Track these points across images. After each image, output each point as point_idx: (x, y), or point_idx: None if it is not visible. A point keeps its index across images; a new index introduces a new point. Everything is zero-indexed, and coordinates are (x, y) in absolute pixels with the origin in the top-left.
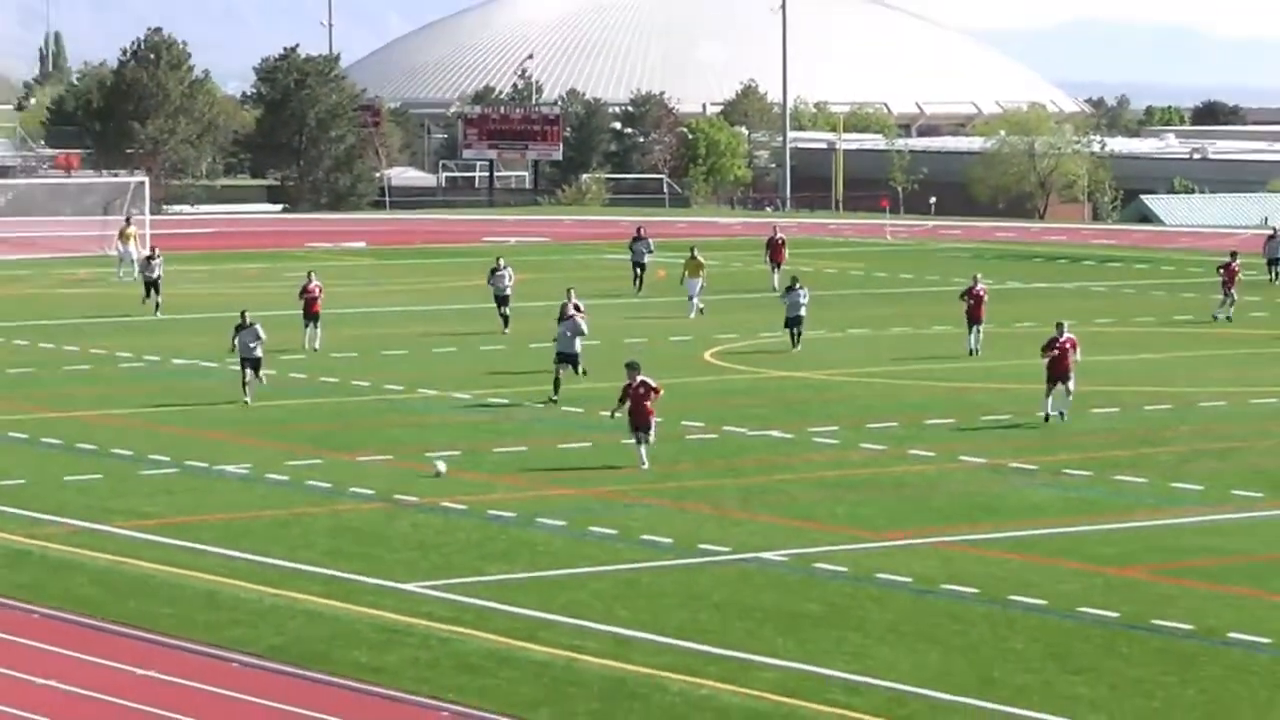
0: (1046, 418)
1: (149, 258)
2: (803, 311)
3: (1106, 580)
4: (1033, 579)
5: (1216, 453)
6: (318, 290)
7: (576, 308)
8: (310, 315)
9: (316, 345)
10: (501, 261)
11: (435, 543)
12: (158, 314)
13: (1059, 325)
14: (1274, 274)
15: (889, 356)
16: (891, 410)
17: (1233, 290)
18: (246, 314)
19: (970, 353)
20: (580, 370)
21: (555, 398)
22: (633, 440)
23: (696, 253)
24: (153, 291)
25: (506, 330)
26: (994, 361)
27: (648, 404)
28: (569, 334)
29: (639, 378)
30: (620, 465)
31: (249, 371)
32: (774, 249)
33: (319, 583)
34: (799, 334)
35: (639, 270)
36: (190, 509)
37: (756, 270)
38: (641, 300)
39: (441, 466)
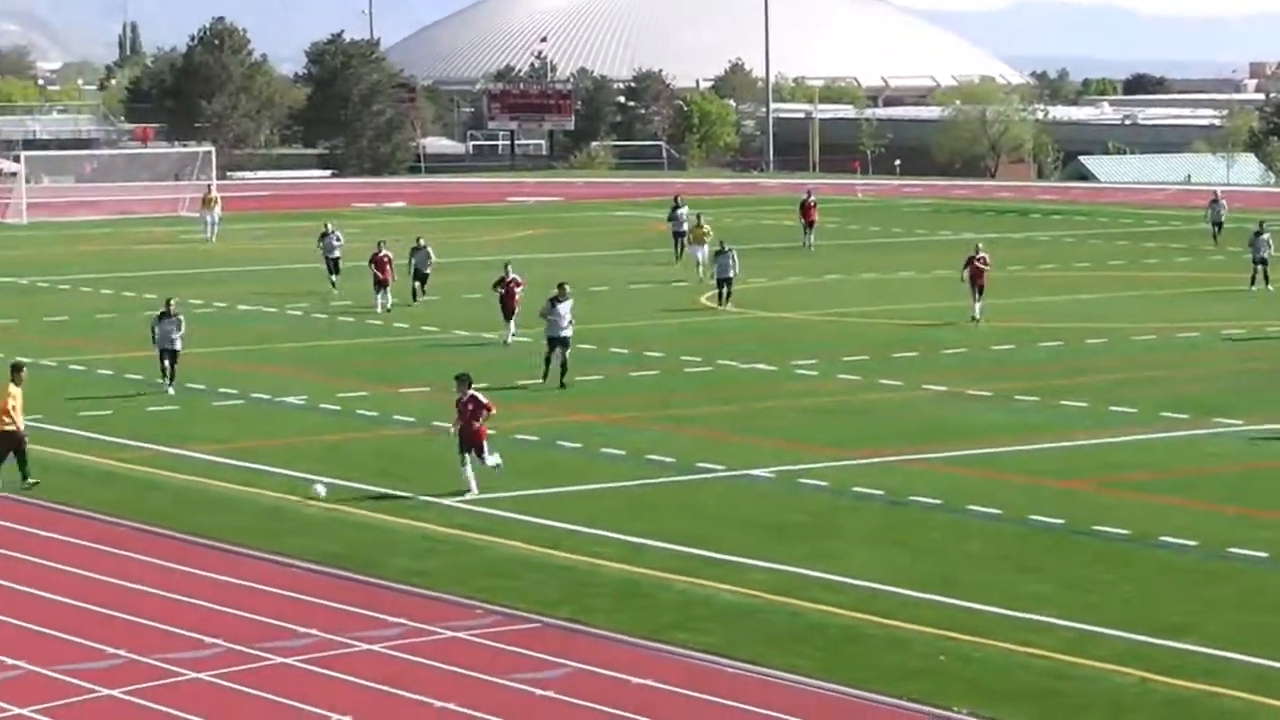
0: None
1: (324, 234)
2: (731, 274)
3: (1052, 492)
4: (987, 491)
5: (1147, 380)
6: (388, 259)
7: (515, 282)
8: (380, 283)
9: (389, 307)
10: (421, 240)
11: None
12: (335, 290)
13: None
14: (1217, 237)
15: (861, 298)
16: (863, 345)
17: None
18: (171, 302)
19: (972, 320)
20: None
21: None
22: (460, 461)
23: (702, 220)
24: (335, 269)
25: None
26: (949, 302)
27: (476, 423)
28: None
29: (469, 392)
30: (629, 393)
31: (167, 362)
32: (806, 210)
33: (368, 498)
34: (729, 293)
35: (678, 239)
36: (256, 435)
37: (744, 225)
38: (643, 251)
39: (320, 490)
